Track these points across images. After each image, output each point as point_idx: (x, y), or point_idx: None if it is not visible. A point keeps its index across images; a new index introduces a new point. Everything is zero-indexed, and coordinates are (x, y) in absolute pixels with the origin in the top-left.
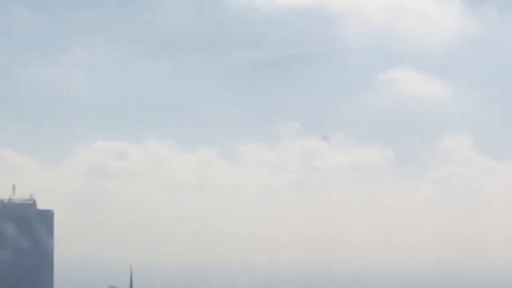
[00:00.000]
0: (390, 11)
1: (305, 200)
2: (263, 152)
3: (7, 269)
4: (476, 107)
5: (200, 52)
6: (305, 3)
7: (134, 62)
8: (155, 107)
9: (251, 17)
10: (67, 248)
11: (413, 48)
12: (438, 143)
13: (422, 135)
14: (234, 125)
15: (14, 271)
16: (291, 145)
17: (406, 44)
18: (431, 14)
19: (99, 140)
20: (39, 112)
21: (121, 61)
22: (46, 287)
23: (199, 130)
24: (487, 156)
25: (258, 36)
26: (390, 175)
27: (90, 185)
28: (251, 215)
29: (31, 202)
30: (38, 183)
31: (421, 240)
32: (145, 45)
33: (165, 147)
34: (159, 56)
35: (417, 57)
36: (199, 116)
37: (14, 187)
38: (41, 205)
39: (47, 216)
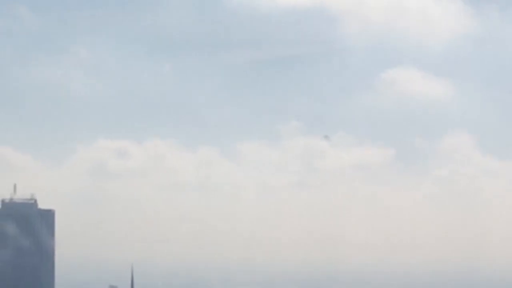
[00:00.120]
0: (390, 11)
1: (306, 199)
2: (264, 152)
3: (8, 269)
4: (477, 107)
5: (201, 52)
6: (306, 3)
7: (135, 61)
8: (156, 107)
9: (252, 17)
10: (68, 247)
11: (414, 48)
12: (439, 142)
13: (423, 134)
14: (235, 125)
15: (15, 270)
16: (292, 145)
17: (406, 44)
18: (431, 13)
19: (100, 139)
20: (40, 112)
21: (122, 60)
22: (47, 287)
23: (200, 129)
24: (488, 155)
25: (259, 35)
26: (391, 174)
27: (91, 185)
28: (252, 215)
29: (32, 201)
30: (39, 183)
31: (422, 240)
32: (146, 45)
33: (166, 146)
34: (160, 55)
35: (418, 57)
36: (200, 115)
37: (15, 186)
38: (42, 205)
39: (48, 216)
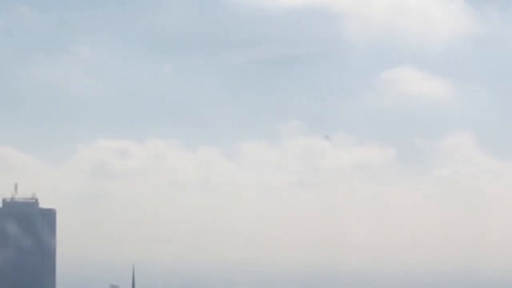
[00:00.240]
0: (391, 11)
1: (306, 199)
2: (264, 152)
3: (10, 268)
4: (477, 106)
5: (202, 52)
6: (306, 3)
7: (136, 61)
8: (157, 106)
9: (253, 17)
10: (69, 247)
11: (414, 48)
12: (440, 142)
13: (424, 134)
14: (236, 124)
15: (16, 270)
16: (293, 145)
17: (407, 44)
18: (432, 13)
19: (101, 139)
20: (41, 111)
21: (123, 60)
22: (48, 286)
23: (201, 129)
24: (489, 155)
25: (259, 35)
26: (392, 174)
27: (92, 184)
28: (252, 214)
29: (34, 201)
30: (40, 182)
31: (423, 240)
32: (147, 44)
33: (167, 146)
34: (161, 55)
35: (419, 57)
36: (201, 115)
37: (16, 186)
38: (43, 204)
39: (49, 215)
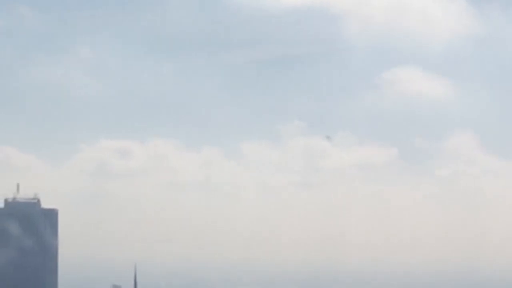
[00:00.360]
0: (392, 11)
1: (308, 199)
2: (265, 151)
3: (12, 268)
4: (479, 106)
5: (203, 52)
6: (308, 3)
7: (137, 61)
8: (158, 106)
9: (254, 17)
10: (71, 247)
11: (416, 48)
12: (442, 142)
13: (426, 134)
14: (237, 124)
15: (18, 270)
16: (295, 144)
17: (408, 44)
18: (433, 13)
19: (103, 139)
20: (43, 111)
21: (124, 60)
22: (50, 286)
23: (203, 129)
24: (490, 155)
25: (261, 35)
26: (394, 174)
27: (94, 184)
28: (253, 214)
29: (35, 201)
30: (42, 182)
31: (424, 240)
32: (148, 45)
33: (168, 146)
34: (163, 55)
35: (420, 57)
36: (203, 115)
37: (18, 186)
38: (45, 204)
39: (51, 215)
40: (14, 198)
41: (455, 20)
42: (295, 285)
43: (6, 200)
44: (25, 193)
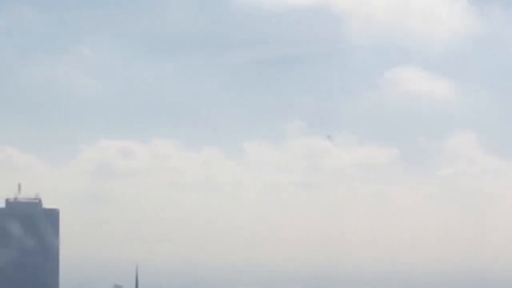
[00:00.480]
0: (394, 10)
1: (309, 199)
2: (267, 151)
3: (13, 268)
4: (481, 106)
5: (204, 51)
6: (309, 2)
7: (139, 61)
8: (160, 106)
9: (256, 17)
10: (73, 247)
11: (418, 47)
12: (443, 142)
13: (428, 134)
14: (238, 124)
15: (19, 270)
16: (296, 144)
17: (410, 43)
18: (435, 13)
19: (104, 138)
20: (44, 111)
21: (126, 59)
22: (51, 286)
23: (204, 129)
24: (492, 155)
25: (262, 35)
26: (395, 174)
27: (95, 184)
28: (255, 214)
29: (37, 201)
30: (44, 182)
31: (426, 240)
32: (150, 44)
33: (170, 146)
34: (164, 55)
35: (422, 56)
36: (204, 115)
37: (19, 186)
38: (46, 204)
39: (52, 215)
40: (15, 198)
41: (456, 20)
42: (296, 285)
43: (7, 200)
44: (27, 193)
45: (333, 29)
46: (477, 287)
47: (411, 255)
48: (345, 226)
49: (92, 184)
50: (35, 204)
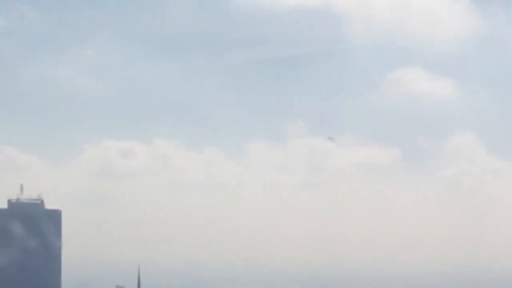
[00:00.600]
0: (396, 11)
1: (310, 199)
2: (270, 152)
3: (15, 269)
4: (483, 107)
5: (206, 52)
6: (311, 3)
7: (140, 61)
8: (162, 106)
9: (257, 17)
10: (75, 247)
11: (420, 48)
12: (445, 142)
13: (429, 134)
14: (240, 125)
15: (21, 271)
16: (298, 145)
17: (412, 44)
18: (437, 13)
19: (106, 139)
20: (45, 112)
21: (128, 60)
22: (53, 287)
23: (206, 129)
24: (493, 155)
25: (264, 35)
26: (396, 174)
27: (98, 185)
28: (256, 214)
29: (39, 201)
30: (46, 183)
31: (427, 240)
32: (152, 45)
33: (172, 146)
34: (166, 55)
35: (424, 57)
36: (206, 115)
37: (21, 186)
38: (48, 205)
39: (54, 216)
40: (17, 199)
41: (458, 20)
42: (296, 285)
43: (9, 201)
44: (29, 194)
45: (334, 30)
46: (478, 287)
47: (412, 255)
48: (346, 226)
49: (94, 184)
50: (37, 205)
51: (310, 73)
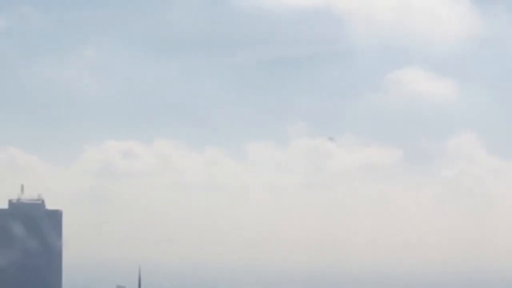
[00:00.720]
0: (397, 12)
1: (312, 200)
2: (271, 152)
3: (16, 269)
4: (484, 107)
5: (207, 52)
6: (314, 3)
7: (143, 61)
8: (163, 107)
9: (259, 18)
10: (76, 247)
11: (421, 49)
12: (446, 143)
13: (430, 135)
14: (241, 125)
15: (22, 271)
16: (300, 145)
17: (413, 45)
18: (438, 14)
19: (107, 139)
20: (47, 112)
21: (130, 60)
22: (54, 287)
23: (207, 129)
24: (495, 155)
25: (266, 36)
26: (398, 175)
27: (99, 185)
28: (257, 215)
29: (40, 202)
30: (47, 183)
31: (430, 240)
32: (154, 45)
33: (173, 146)
34: (168, 56)
35: (425, 57)
36: (207, 115)
37: (22, 187)
38: (49, 205)
39: (55, 216)
40: (18, 199)
41: (459, 21)
42: (297, 285)
43: (10, 201)
44: (29, 194)
45: (337, 31)
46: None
47: (413, 255)
48: (347, 226)
49: (94, 184)
50: (38, 205)
51: (311, 74)
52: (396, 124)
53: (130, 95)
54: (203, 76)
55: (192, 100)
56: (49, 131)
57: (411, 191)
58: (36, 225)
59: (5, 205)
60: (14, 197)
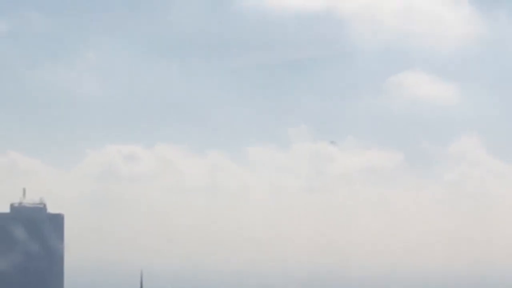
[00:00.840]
0: (400, 14)
1: (315, 203)
2: (273, 155)
3: (18, 273)
4: (486, 110)
5: (210, 55)
6: (315, 6)
7: (145, 64)
8: (165, 110)
9: (261, 20)
10: (77, 251)
11: (423, 51)
12: (448, 146)
13: (433, 138)
14: (244, 128)
15: (24, 274)
16: (301, 148)
17: (415, 47)
18: (440, 17)
19: (109, 143)
20: (49, 115)
21: (131, 63)
22: None
23: (209, 133)
24: (498, 159)
25: (268, 39)
26: (400, 178)
27: (100, 189)
28: (261, 218)
29: (41, 205)
30: (48, 187)
31: (432, 243)
32: (156, 48)
33: (175, 150)
34: (169, 59)
35: (427, 60)
36: (209, 119)
37: (24, 190)
38: (51, 209)
39: (57, 220)
40: (20, 203)
41: (462, 24)
42: None
43: (12, 205)
44: (31, 198)
45: (339, 33)
46: None
47: (415, 259)
48: (349, 230)
49: (96, 188)
50: (40, 209)
51: (315, 77)
52: (397, 127)
53: (132, 99)
54: (205, 80)
55: (194, 103)
56: (51, 135)
57: (412, 194)
58: (38, 229)
59: (7, 209)
60: (16, 200)
